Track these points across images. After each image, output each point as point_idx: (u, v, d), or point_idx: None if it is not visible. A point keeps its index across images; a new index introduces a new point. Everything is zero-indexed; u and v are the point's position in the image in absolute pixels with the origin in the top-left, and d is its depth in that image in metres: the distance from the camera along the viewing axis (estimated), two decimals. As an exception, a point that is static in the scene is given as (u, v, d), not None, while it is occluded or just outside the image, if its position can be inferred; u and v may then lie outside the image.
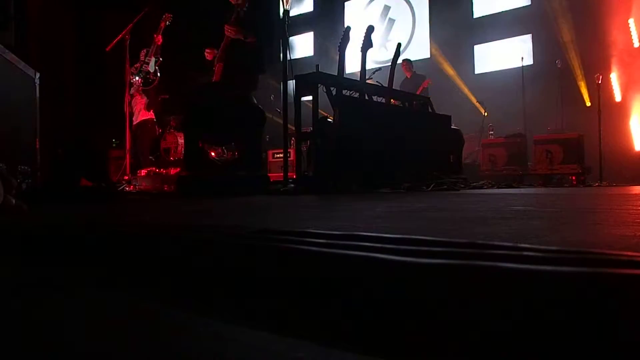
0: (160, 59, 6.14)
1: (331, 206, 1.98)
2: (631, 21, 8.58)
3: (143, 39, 6.24)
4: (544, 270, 0.43)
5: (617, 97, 8.69)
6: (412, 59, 8.68)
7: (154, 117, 6.36)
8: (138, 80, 6.07)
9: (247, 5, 4.49)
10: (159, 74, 6.13)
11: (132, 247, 0.79)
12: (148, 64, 6.05)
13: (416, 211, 1.56)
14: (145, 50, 6.20)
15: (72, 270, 0.81)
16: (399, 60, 6.96)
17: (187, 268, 0.70)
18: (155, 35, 6.05)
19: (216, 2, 5.17)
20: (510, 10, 9.80)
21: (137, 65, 6.15)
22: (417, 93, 6.55)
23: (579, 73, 8.70)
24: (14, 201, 1.46)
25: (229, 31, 4.55)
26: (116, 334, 0.48)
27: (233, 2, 4.79)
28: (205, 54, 5.07)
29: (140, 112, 6.37)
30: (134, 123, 6.38)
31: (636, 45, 8.55)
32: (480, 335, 0.43)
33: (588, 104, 8.77)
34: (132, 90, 6.24)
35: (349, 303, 0.52)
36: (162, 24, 5.96)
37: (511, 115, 8.87)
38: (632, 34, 8.57)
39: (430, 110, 5.77)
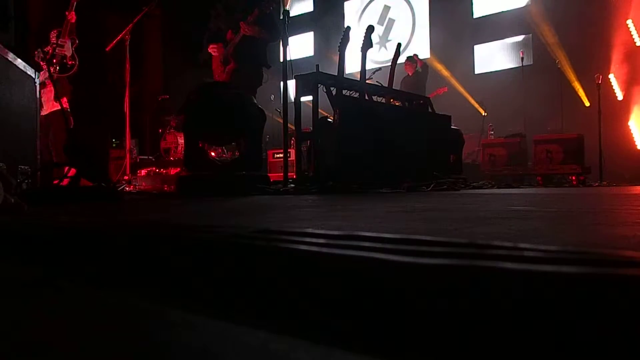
0: (77, 40, 5.42)
1: (331, 206, 1.98)
2: (629, 22, 8.59)
3: (143, 39, 6.17)
4: (544, 271, 0.43)
5: (617, 97, 8.69)
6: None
7: (67, 106, 5.58)
8: (51, 67, 5.25)
9: (273, 6, 4.55)
10: (77, 59, 5.42)
11: (131, 247, 0.79)
12: (63, 46, 5.28)
13: (416, 211, 1.56)
14: (56, 31, 5.37)
15: (72, 270, 0.81)
16: (402, 60, 6.96)
17: (186, 268, 0.70)
18: (67, 13, 5.30)
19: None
20: (510, 10, 9.80)
21: (48, 48, 5.31)
22: (431, 96, 6.53)
23: (578, 73, 8.70)
24: (13, 200, 1.47)
25: (246, 30, 4.58)
26: (116, 334, 0.48)
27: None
28: (210, 50, 4.99)
29: (50, 102, 5.59)
30: (42, 115, 5.53)
31: (638, 43, 8.55)
32: (480, 335, 0.43)
33: (587, 104, 8.78)
34: (42, 78, 5.42)
35: (349, 303, 0.52)
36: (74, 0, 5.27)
37: (511, 115, 8.88)
38: (632, 33, 8.57)
39: (430, 110, 5.77)
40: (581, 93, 8.83)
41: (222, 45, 4.90)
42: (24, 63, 3.01)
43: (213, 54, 4.97)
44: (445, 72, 10.30)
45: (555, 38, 8.90)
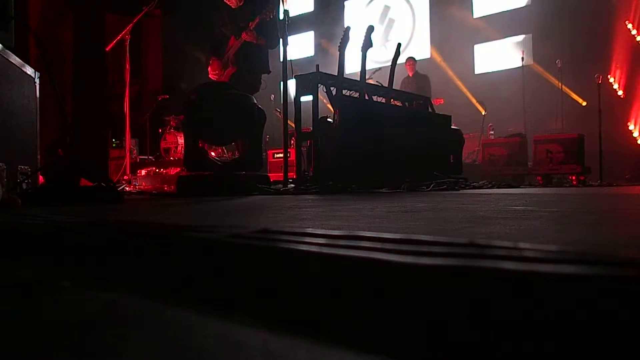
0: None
1: (331, 206, 1.98)
2: (628, 22, 8.60)
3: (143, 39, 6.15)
4: (544, 271, 0.43)
5: (618, 97, 8.70)
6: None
7: None
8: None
9: (273, 15, 4.58)
10: None
11: (132, 247, 0.79)
12: None
13: (416, 211, 1.56)
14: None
15: (71, 270, 0.81)
16: (402, 60, 6.97)
17: (186, 268, 0.70)
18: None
19: (215, 1, 5.20)
20: (510, 10, 9.80)
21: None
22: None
23: (578, 73, 8.70)
24: (6, 196, 1.47)
25: (247, 36, 4.63)
26: (116, 334, 0.48)
27: (233, 6, 4.86)
28: (211, 76, 5.03)
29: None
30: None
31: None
32: (480, 335, 0.43)
33: (584, 104, 8.79)
34: None
35: (349, 303, 0.52)
36: None
37: (511, 115, 8.88)
38: (632, 33, 8.58)
39: (430, 110, 5.77)
40: (582, 92, 8.83)
41: (222, 65, 4.94)
42: (24, 63, 3.01)
43: (212, 78, 5.00)
44: (445, 72, 10.30)
45: (555, 38, 8.90)
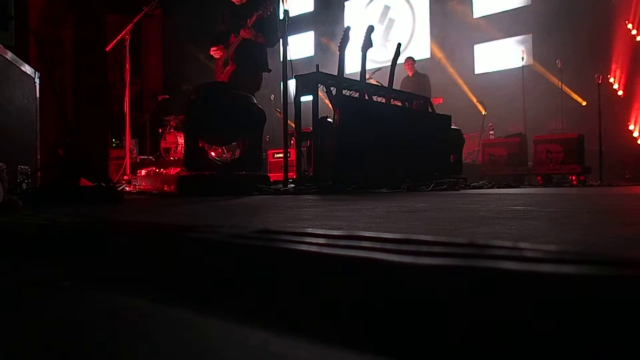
0: None
1: (331, 206, 1.97)
2: (629, 21, 8.60)
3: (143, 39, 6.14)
4: (544, 271, 0.43)
5: (617, 97, 8.70)
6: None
7: None
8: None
9: (271, 10, 4.59)
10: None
11: (132, 247, 0.79)
12: None
13: (416, 211, 1.56)
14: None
15: (71, 270, 0.81)
16: (401, 59, 6.97)
17: (187, 268, 0.70)
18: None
19: (215, 1, 5.21)
20: (510, 10, 9.81)
21: None
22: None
23: (578, 73, 8.70)
24: (6, 198, 1.48)
25: (245, 33, 4.64)
26: (117, 334, 0.48)
27: (237, 3, 4.87)
28: (212, 52, 5.06)
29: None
30: None
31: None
32: (479, 335, 0.43)
33: (584, 104, 8.79)
34: None
35: (349, 303, 0.52)
36: None
37: (511, 115, 8.88)
38: (632, 33, 8.58)
39: (430, 110, 5.77)
40: (582, 92, 8.83)
41: (223, 47, 4.97)
42: (23, 63, 3.01)
43: (214, 56, 5.04)
44: (445, 72, 10.30)
45: (555, 38, 8.90)
